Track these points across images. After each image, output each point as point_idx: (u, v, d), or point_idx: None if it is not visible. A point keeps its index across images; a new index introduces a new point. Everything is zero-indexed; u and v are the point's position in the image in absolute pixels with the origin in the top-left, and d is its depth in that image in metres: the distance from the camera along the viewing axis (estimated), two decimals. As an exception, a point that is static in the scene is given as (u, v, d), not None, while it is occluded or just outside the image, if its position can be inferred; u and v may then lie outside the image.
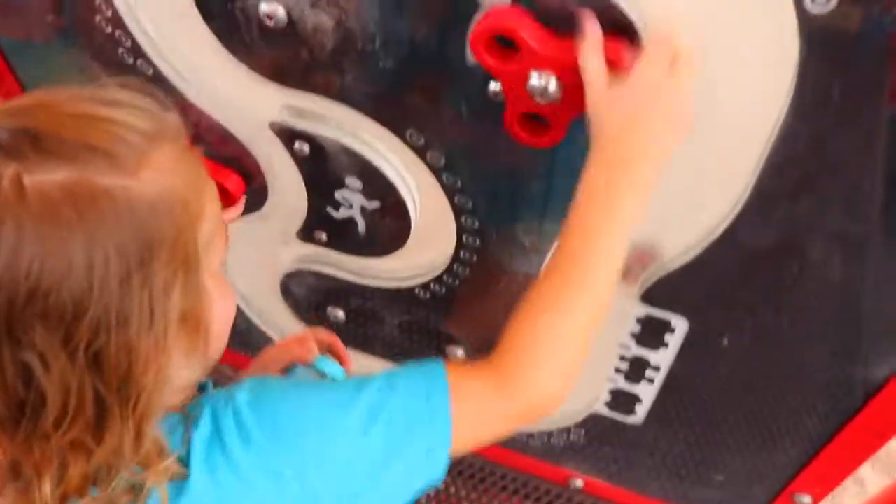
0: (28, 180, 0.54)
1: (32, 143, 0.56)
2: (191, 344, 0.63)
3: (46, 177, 0.55)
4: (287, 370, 1.00)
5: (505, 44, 0.74)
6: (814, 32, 0.67)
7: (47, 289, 0.54)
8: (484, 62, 0.76)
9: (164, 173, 0.60)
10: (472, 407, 0.71)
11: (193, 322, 0.63)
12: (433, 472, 0.70)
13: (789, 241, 0.86)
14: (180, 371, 0.64)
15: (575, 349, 0.73)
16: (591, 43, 0.71)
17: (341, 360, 1.02)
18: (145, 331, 0.58)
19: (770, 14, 0.67)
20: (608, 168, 0.72)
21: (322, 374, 0.97)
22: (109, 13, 0.96)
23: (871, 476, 1.93)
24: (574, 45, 0.71)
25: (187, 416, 0.66)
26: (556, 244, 0.74)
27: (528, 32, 0.72)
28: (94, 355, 0.57)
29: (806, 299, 0.91)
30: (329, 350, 1.07)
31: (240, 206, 1.11)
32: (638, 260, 0.94)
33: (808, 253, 0.86)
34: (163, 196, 0.59)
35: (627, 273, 0.96)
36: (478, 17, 0.75)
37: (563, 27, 0.72)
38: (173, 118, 0.66)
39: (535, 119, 0.79)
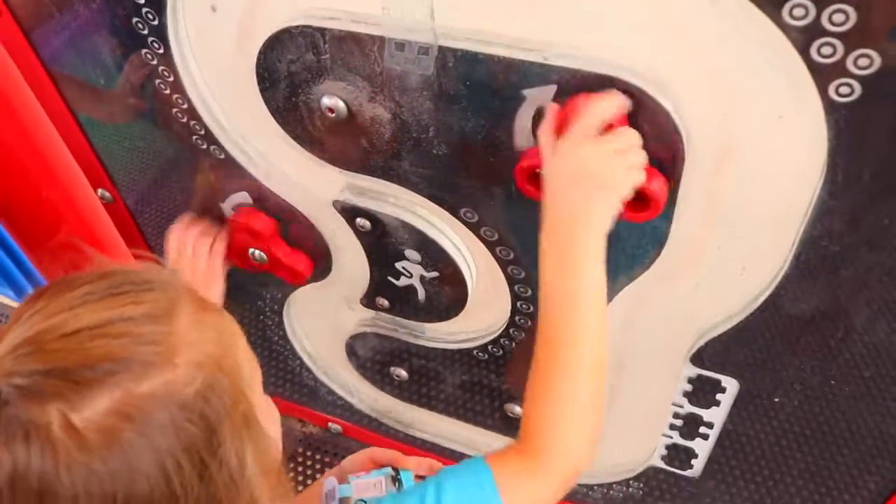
0: (77, 419, 0.54)
1: (62, 380, 0.54)
2: (272, 481, 0.65)
3: (92, 409, 0.54)
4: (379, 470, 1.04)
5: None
6: (840, 119, 0.70)
7: None
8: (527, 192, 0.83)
9: (194, 345, 0.60)
10: (514, 492, 0.76)
11: (269, 465, 0.65)
12: None
13: (831, 309, 0.88)
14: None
15: (586, 413, 0.78)
16: (549, 116, 0.77)
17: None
18: (235, 500, 0.60)
19: (801, 105, 0.71)
20: (555, 234, 0.76)
21: (398, 483, 1.00)
22: (185, 106, 1.05)
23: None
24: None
25: None
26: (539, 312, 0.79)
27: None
28: None
29: (852, 362, 0.94)
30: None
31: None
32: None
33: (850, 319, 0.89)
34: (203, 370, 0.59)
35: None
36: (526, 107, 0.82)
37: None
38: (174, 276, 0.66)
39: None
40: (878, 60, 0.65)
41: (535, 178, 0.83)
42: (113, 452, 0.54)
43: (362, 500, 0.97)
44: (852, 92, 0.68)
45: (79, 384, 0.55)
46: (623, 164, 0.75)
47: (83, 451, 0.53)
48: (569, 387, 0.77)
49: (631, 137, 0.76)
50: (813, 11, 0.64)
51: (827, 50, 0.66)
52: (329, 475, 1.05)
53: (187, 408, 0.57)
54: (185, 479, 0.56)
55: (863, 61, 0.66)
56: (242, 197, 1.15)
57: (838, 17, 0.64)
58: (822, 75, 0.68)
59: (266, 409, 0.69)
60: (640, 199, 0.80)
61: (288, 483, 0.72)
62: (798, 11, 0.65)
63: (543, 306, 0.78)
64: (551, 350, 0.78)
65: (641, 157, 0.77)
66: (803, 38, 0.67)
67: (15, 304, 2.25)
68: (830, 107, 0.70)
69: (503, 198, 0.93)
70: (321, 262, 1.18)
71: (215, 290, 1.15)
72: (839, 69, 0.67)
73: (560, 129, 0.77)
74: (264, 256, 1.16)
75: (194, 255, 1.16)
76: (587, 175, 0.75)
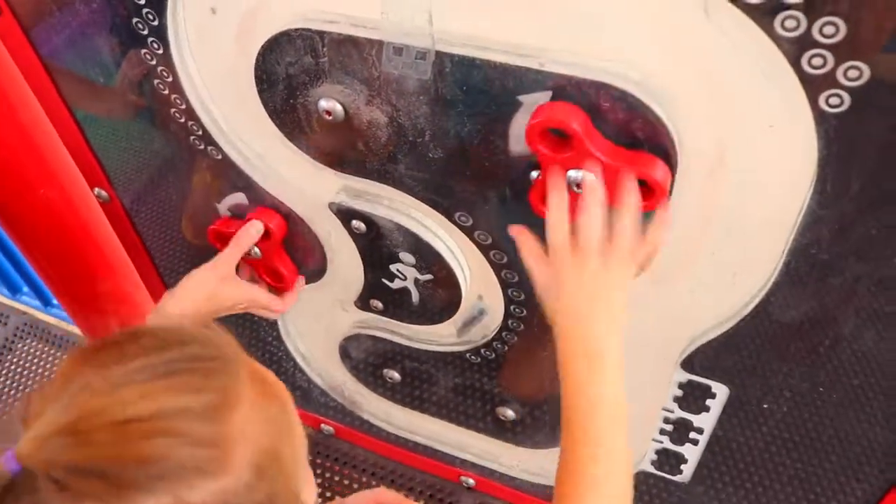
0: None
1: (103, 481, 0.49)
2: None
3: None
4: None
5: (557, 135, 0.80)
6: (830, 130, 0.72)
7: None
8: (537, 151, 0.82)
9: (252, 442, 0.55)
10: None
11: None
12: None
13: (820, 316, 0.89)
14: None
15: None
16: (523, 236, 0.84)
17: None
18: None
19: (792, 115, 0.72)
20: (571, 360, 0.77)
21: None
22: (183, 106, 1.05)
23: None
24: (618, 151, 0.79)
25: None
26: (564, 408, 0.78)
27: (581, 128, 0.78)
28: None
29: (840, 369, 0.95)
30: None
31: (296, 293, 1.19)
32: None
33: (839, 327, 0.90)
34: (260, 471, 0.55)
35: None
36: (521, 113, 0.82)
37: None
38: (236, 350, 0.60)
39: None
40: (867, 72, 0.67)
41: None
42: None
43: None
44: (842, 103, 0.70)
45: (122, 487, 0.50)
46: (616, 271, 0.77)
47: None
48: (599, 481, 0.75)
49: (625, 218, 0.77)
50: (804, 23, 0.65)
51: (818, 61, 0.67)
52: None
53: None
54: None
55: (852, 73, 0.67)
56: (239, 198, 1.16)
57: (829, 30, 0.65)
58: (813, 86, 0.69)
59: (308, 479, 0.65)
60: (643, 188, 0.80)
61: None
62: (790, 23, 0.66)
63: (567, 418, 0.77)
64: (578, 457, 0.76)
65: (631, 247, 0.78)
66: (795, 50, 0.68)
67: (9, 303, 2.25)
68: (821, 117, 0.71)
69: (497, 202, 0.94)
70: (316, 264, 1.19)
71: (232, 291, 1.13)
72: (829, 80, 0.68)
73: (544, 134, 0.79)
74: (259, 253, 1.16)
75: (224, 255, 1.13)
76: (587, 305, 0.77)
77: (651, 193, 0.79)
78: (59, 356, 2.21)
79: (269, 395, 0.61)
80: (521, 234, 0.85)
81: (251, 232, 1.12)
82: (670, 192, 0.82)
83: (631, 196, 0.77)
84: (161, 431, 0.51)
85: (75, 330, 2.11)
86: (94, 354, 0.55)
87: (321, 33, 0.86)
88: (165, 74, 1.03)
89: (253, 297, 1.16)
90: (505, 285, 1.06)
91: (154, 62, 1.02)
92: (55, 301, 2.09)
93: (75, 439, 0.50)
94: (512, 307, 1.09)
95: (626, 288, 0.79)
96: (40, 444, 0.50)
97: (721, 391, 1.05)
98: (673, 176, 0.81)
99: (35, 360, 2.20)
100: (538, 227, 0.88)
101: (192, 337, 0.59)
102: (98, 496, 0.49)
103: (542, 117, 0.79)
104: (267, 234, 1.14)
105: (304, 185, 1.07)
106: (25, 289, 2.18)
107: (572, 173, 0.80)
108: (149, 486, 0.50)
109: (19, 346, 2.23)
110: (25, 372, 2.17)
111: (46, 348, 2.21)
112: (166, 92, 1.05)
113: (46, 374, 2.17)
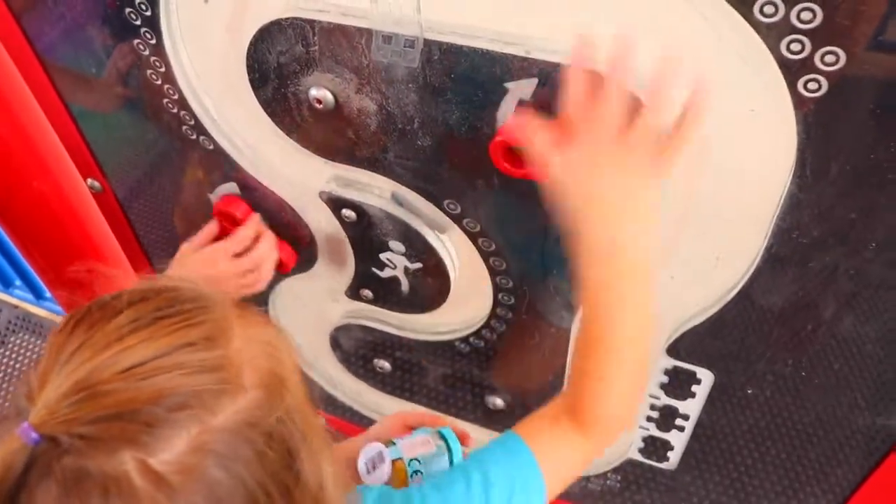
0: (156, 463, 0.49)
1: (132, 423, 0.50)
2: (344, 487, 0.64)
3: (170, 450, 0.50)
4: (416, 430, 1.04)
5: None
6: (808, 114, 0.73)
7: None
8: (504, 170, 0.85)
9: (255, 364, 0.56)
10: (554, 460, 0.78)
11: (341, 474, 0.63)
12: None
13: (801, 301, 0.91)
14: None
15: (631, 393, 0.79)
16: (536, 126, 0.74)
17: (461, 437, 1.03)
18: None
19: (772, 100, 0.73)
20: (595, 262, 0.73)
21: (443, 439, 1.00)
22: (175, 96, 1.07)
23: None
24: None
25: None
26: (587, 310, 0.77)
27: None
28: None
29: (822, 354, 0.96)
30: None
31: (274, 248, 1.19)
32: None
33: (820, 311, 0.91)
34: (270, 390, 0.56)
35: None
36: (508, 100, 0.84)
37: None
38: (217, 290, 0.61)
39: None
40: (843, 57, 0.68)
41: (510, 154, 0.84)
42: (201, 492, 0.50)
43: (416, 460, 0.95)
44: (820, 87, 0.71)
45: (151, 425, 0.50)
46: (655, 174, 0.71)
47: (169, 497, 0.49)
48: (620, 377, 0.76)
49: (647, 112, 0.70)
50: (783, 9, 0.67)
51: (796, 46, 0.69)
52: (358, 440, 1.04)
53: (266, 433, 0.54)
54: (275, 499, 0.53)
55: (829, 58, 0.69)
56: (231, 187, 1.17)
57: (806, 15, 0.67)
58: (791, 71, 0.71)
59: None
60: None
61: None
62: (769, 9, 0.68)
63: (590, 307, 0.76)
64: (601, 333, 0.75)
65: (660, 128, 0.70)
66: (774, 35, 0.69)
67: (2, 296, 2.26)
68: (799, 102, 0.73)
69: (486, 190, 0.96)
70: (307, 254, 1.20)
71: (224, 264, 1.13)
72: (807, 65, 0.70)
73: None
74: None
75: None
76: (617, 195, 0.71)
77: None
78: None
79: (260, 323, 0.62)
80: (525, 122, 0.74)
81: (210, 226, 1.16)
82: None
83: (670, 92, 0.69)
84: (167, 368, 0.52)
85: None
86: (80, 321, 0.55)
87: (312, 22, 0.87)
88: (158, 65, 1.04)
89: (208, 255, 1.14)
90: (493, 273, 1.07)
91: (147, 52, 1.03)
92: (48, 294, 2.10)
93: (88, 393, 0.50)
94: (500, 295, 1.10)
95: (659, 187, 0.71)
96: (54, 409, 0.50)
97: (706, 377, 1.07)
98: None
99: (28, 354, 2.20)
100: (526, 217, 0.89)
101: (170, 285, 0.60)
102: (131, 440, 0.49)
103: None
104: (236, 222, 1.15)
105: (295, 174, 1.08)
106: (18, 282, 2.18)
107: None
108: (173, 419, 0.50)
109: (12, 339, 2.24)
110: (18, 366, 2.18)
111: (39, 342, 2.22)
112: (159, 82, 1.07)
113: (39, 368, 2.17)
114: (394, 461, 0.96)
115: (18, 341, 2.22)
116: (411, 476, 0.95)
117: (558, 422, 0.79)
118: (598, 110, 0.70)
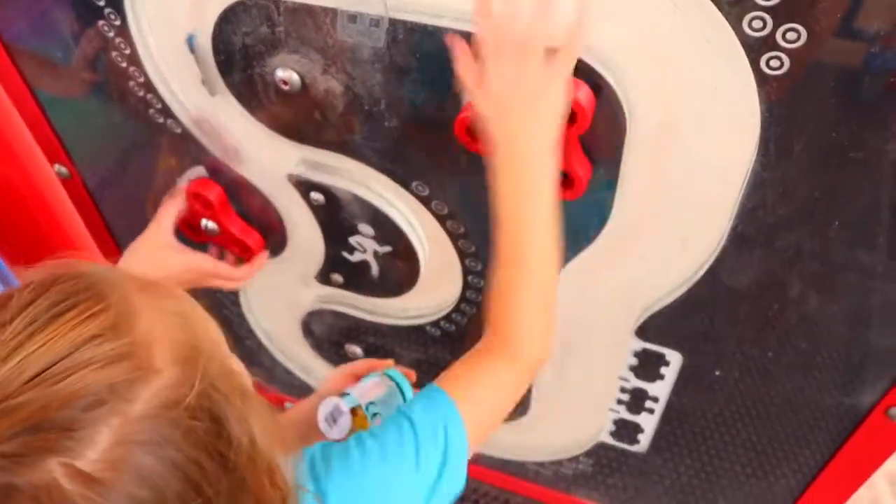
0: (84, 464, 0.48)
1: (51, 431, 0.48)
2: (276, 434, 0.63)
3: (95, 448, 0.49)
4: (363, 377, 1.06)
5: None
6: (771, 92, 0.74)
7: None
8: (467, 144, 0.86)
9: (166, 340, 0.56)
10: (481, 390, 0.84)
11: (270, 422, 0.62)
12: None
13: (767, 281, 0.92)
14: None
15: (544, 313, 0.85)
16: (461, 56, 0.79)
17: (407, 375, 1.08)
18: (258, 475, 0.58)
19: (735, 78, 0.74)
20: (504, 171, 0.80)
21: (392, 379, 1.05)
22: (142, 79, 1.06)
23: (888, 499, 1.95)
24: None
25: None
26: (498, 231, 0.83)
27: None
28: None
29: (788, 334, 0.97)
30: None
31: (261, 259, 1.20)
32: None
33: (786, 291, 0.92)
34: (187, 363, 0.55)
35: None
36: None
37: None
38: (112, 270, 0.61)
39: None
40: (804, 34, 0.69)
41: (472, 129, 0.84)
42: (133, 483, 0.50)
43: (372, 403, 0.99)
44: (782, 65, 0.72)
45: (71, 429, 0.49)
46: (550, 77, 0.77)
47: (102, 494, 0.49)
48: (529, 291, 0.83)
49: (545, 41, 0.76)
50: (743, -12, 0.67)
51: (757, 24, 0.69)
52: (311, 400, 1.06)
53: (189, 408, 0.53)
54: (210, 478, 0.53)
55: (791, 35, 0.69)
56: (199, 171, 1.16)
57: (766, -6, 0.67)
58: (754, 49, 0.71)
59: (238, 364, 0.66)
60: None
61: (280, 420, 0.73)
62: (730, -13, 0.68)
63: (500, 224, 0.82)
64: (511, 261, 0.83)
65: (565, 63, 0.77)
66: (736, 13, 0.70)
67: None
68: (762, 80, 0.73)
69: (453, 172, 0.96)
70: (276, 238, 1.20)
71: (174, 260, 1.14)
72: (769, 43, 0.70)
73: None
74: (216, 228, 1.17)
75: (157, 222, 1.15)
76: (518, 104, 0.77)
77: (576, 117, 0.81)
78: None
79: (166, 295, 0.61)
80: (457, 47, 0.80)
81: (175, 197, 1.16)
82: (619, 157, 0.84)
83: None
84: (75, 367, 0.50)
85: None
86: None
87: (276, 2, 0.87)
88: (123, 47, 1.03)
89: (198, 264, 1.15)
90: (462, 255, 1.07)
91: (112, 34, 1.02)
92: (14, 280, 2.07)
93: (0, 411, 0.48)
94: (470, 277, 1.10)
95: (559, 89, 0.77)
96: None
97: (675, 359, 1.08)
98: (623, 141, 0.82)
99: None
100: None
101: (62, 274, 0.57)
102: (53, 448, 0.48)
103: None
104: (207, 204, 1.15)
105: (263, 157, 1.07)
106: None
107: None
108: (91, 418, 0.49)
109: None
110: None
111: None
112: (124, 65, 1.05)
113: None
114: (352, 409, 0.98)
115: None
116: (371, 419, 0.98)
117: (479, 356, 0.85)
118: (497, 20, 0.76)
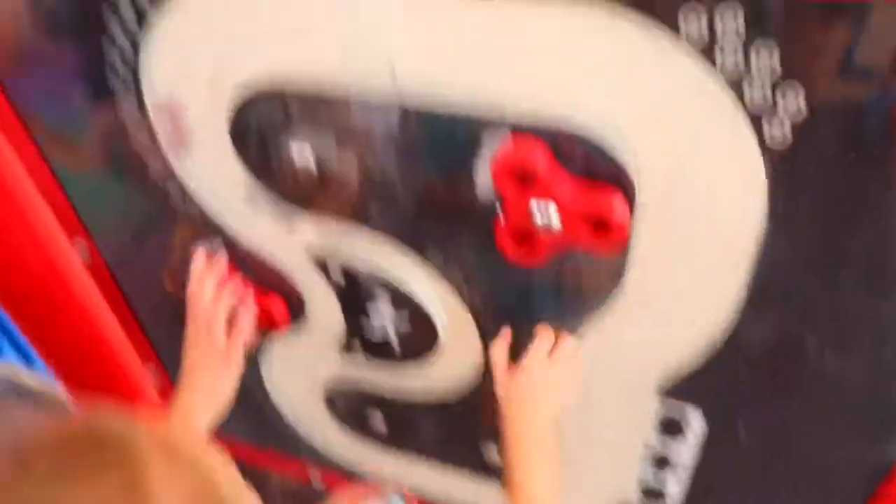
0: None
1: None
2: None
3: None
4: None
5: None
6: (775, 159, 0.75)
7: None
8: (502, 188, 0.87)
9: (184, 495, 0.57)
10: None
11: None
12: None
13: (787, 337, 0.92)
14: None
15: None
16: (499, 342, 1.04)
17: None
18: None
19: (740, 147, 0.76)
20: (514, 442, 1.01)
21: None
22: (160, 159, 1.08)
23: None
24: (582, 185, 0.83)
25: None
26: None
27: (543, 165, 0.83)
28: None
29: (812, 389, 0.97)
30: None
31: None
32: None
33: (806, 346, 0.92)
34: None
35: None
36: (482, 156, 0.86)
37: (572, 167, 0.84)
38: (129, 427, 0.60)
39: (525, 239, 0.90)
40: (806, 106, 0.70)
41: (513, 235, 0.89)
42: None
43: None
44: (784, 135, 0.73)
45: None
46: (563, 378, 1.02)
47: None
48: None
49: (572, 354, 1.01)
50: (741, 55, 0.69)
51: (758, 93, 0.71)
52: None
53: None
54: None
55: (791, 103, 0.71)
56: (215, 246, 1.18)
57: (764, 62, 0.69)
58: (755, 117, 0.73)
59: None
60: (604, 227, 0.84)
61: None
62: (730, 60, 0.70)
63: (511, 485, 1.02)
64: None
65: (577, 363, 1.02)
66: (735, 83, 0.72)
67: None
68: (764, 144, 0.75)
69: (466, 241, 0.97)
70: (295, 310, 1.21)
71: (230, 376, 1.14)
72: (770, 112, 0.72)
73: (509, 178, 0.85)
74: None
75: (209, 330, 1.13)
76: (542, 392, 1.00)
77: (610, 231, 0.84)
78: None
79: (188, 466, 0.61)
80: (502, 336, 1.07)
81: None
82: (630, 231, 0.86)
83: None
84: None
85: (58, 389, 2.11)
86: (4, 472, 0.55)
87: (289, 90, 0.90)
88: (141, 128, 1.06)
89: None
90: (478, 319, 1.08)
91: (130, 115, 1.05)
92: (39, 360, 2.09)
93: None
94: (488, 342, 1.11)
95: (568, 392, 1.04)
96: None
97: (698, 419, 1.08)
98: (631, 211, 0.84)
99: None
100: (508, 267, 0.91)
101: (87, 429, 0.59)
102: None
103: (505, 156, 0.83)
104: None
105: (280, 232, 1.09)
106: (8, 349, 2.18)
107: (535, 202, 0.83)
108: None
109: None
110: (6, 433, 2.16)
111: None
112: (143, 147, 1.08)
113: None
114: None
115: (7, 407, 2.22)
116: None
117: None
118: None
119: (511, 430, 1.01)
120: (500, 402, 1.02)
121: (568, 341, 1.00)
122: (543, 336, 1.01)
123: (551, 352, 1.00)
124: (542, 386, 0.99)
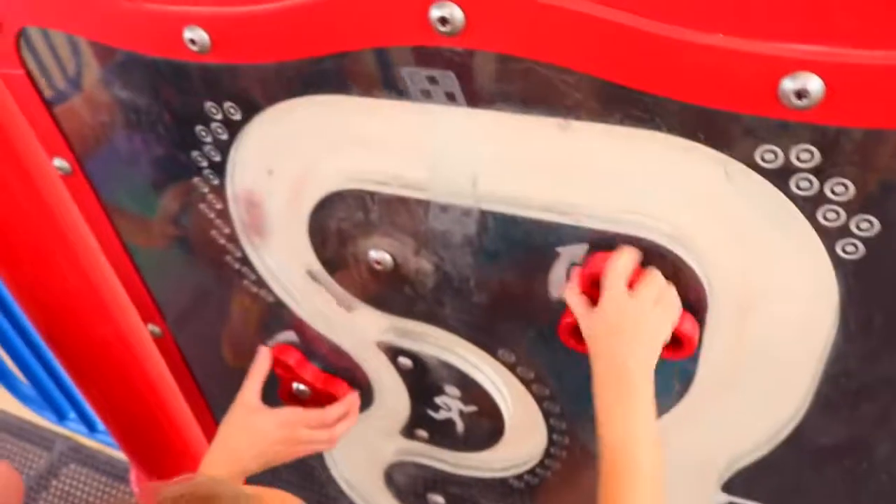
0: None
1: None
2: None
3: None
4: None
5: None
6: (847, 274, 0.78)
7: None
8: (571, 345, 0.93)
9: None
10: None
11: None
12: None
13: (854, 442, 0.93)
14: None
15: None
16: (573, 278, 0.89)
17: None
18: None
19: (812, 261, 0.78)
20: (606, 386, 0.87)
21: None
22: (239, 254, 1.13)
23: None
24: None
25: None
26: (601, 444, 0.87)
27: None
28: None
29: (877, 491, 0.97)
30: None
31: (353, 416, 1.23)
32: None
33: (873, 451, 0.93)
34: None
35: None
36: (560, 262, 0.90)
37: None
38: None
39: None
40: (877, 224, 0.73)
41: (575, 332, 0.90)
42: None
43: None
44: (857, 250, 0.76)
45: None
46: (658, 310, 0.85)
47: None
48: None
49: (659, 281, 0.85)
50: (816, 184, 0.72)
51: (831, 216, 0.74)
52: None
53: None
54: None
55: (864, 225, 0.73)
56: (288, 336, 1.22)
57: (839, 189, 0.72)
58: (829, 236, 0.76)
59: None
60: (674, 341, 0.87)
61: None
62: (804, 184, 0.73)
63: (603, 445, 0.86)
64: (615, 485, 0.85)
65: (674, 299, 0.86)
66: (809, 206, 0.74)
67: (56, 428, 2.31)
68: (838, 263, 0.77)
69: (538, 341, 1.00)
70: (363, 396, 1.24)
71: (262, 418, 1.17)
72: (844, 231, 0.75)
73: (585, 286, 0.87)
74: (306, 389, 1.22)
75: (244, 388, 1.19)
76: (627, 329, 0.85)
77: (681, 345, 0.87)
78: (103, 481, 2.26)
79: None
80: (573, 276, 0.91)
81: (260, 362, 1.20)
82: (703, 331, 0.88)
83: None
84: None
85: (119, 455, 2.15)
86: None
87: (371, 193, 0.94)
88: (222, 225, 1.11)
89: (286, 417, 1.17)
90: (547, 415, 1.10)
91: (211, 215, 1.10)
92: (101, 426, 2.14)
93: None
94: (554, 435, 1.13)
95: (664, 328, 0.86)
96: None
97: (762, 514, 1.08)
98: (704, 317, 0.87)
99: (79, 486, 2.25)
100: (574, 361, 0.94)
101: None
102: None
103: (590, 265, 0.87)
104: (286, 367, 1.20)
105: (353, 325, 1.13)
106: (72, 414, 2.24)
107: None
108: None
109: (63, 470, 2.29)
110: (70, 497, 2.22)
111: (91, 472, 2.27)
112: (222, 242, 1.13)
113: (90, 498, 2.22)
114: None
115: (71, 472, 2.27)
116: None
117: None
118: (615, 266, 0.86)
119: (599, 372, 0.87)
120: (586, 341, 0.89)
121: (650, 272, 0.86)
122: (619, 264, 0.85)
123: (632, 283, 0.85)
124: (632, 318, 0.85)
